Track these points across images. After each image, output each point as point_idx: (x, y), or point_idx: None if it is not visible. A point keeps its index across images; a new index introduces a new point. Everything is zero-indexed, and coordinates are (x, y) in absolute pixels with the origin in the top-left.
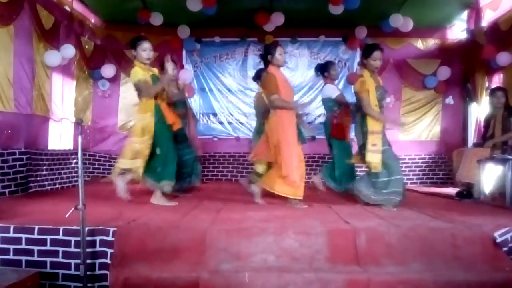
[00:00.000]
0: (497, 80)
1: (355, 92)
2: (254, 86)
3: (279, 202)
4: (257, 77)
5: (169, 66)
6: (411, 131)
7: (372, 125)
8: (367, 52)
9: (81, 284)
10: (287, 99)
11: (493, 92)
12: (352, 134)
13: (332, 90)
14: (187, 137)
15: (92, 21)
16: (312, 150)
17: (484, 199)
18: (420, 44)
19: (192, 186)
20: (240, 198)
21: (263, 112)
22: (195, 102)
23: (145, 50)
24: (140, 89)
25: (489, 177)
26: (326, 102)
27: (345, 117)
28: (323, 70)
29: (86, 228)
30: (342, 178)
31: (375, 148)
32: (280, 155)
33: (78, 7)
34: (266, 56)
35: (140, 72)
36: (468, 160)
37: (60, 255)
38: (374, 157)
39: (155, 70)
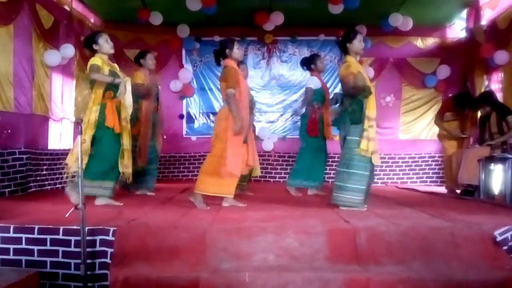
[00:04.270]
0: (496, 78)
1: (341, 79)
2: (254, 85)
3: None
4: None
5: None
6: (411, 130)
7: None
8: (350, 35)
9: (81, 284)
10: (243, 95)
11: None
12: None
13: (316, 82)
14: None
15: (92, 20)
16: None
17: (485, 198)
18: (420, 43)
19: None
20: (239, 197)
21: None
22: (194, 102)
23: (107, 40)
24: (93, 75)
25: (492, 178)
26: (309, 93)
27: (324, 113)
28: (310, 62)
29: (86, 228)
30: (300, 173)
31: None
32: (223, 149)
33: (78, 7)
34: (224, 51)
35: (98, 61)
36: (468, 161)
37: (60, 254)
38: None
39: (116, 66)
